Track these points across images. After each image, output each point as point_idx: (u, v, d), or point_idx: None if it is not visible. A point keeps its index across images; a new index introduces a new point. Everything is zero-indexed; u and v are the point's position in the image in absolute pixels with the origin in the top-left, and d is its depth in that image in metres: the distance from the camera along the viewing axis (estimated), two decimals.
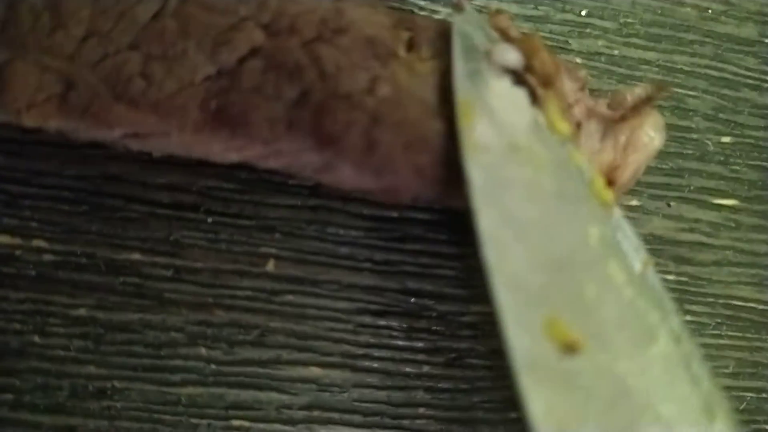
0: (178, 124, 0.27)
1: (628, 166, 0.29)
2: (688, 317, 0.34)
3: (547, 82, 0.27)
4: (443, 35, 0.29)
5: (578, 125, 0.29)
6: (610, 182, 0.29)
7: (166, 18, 0.27)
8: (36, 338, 0.28)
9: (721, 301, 0.34)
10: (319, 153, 0.27)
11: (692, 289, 0.34)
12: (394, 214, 0.32)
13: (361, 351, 0.30)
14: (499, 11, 0.30)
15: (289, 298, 0.30)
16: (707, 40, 0.37)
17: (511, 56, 0.27)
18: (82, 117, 0.26)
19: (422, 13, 0.34)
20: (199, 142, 0.28)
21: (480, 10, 0.34)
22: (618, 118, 0.29)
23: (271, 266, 0.30)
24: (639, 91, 0.30)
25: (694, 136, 0.36)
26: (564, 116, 0.28)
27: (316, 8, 0.28)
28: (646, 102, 0.29)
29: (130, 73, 0.26)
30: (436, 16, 0.34)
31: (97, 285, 0.29)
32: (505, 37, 0.29)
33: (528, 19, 0.35)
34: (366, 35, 0.28)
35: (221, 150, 0.28)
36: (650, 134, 0.30)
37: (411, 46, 0.28)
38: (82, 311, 0.29)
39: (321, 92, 0.27)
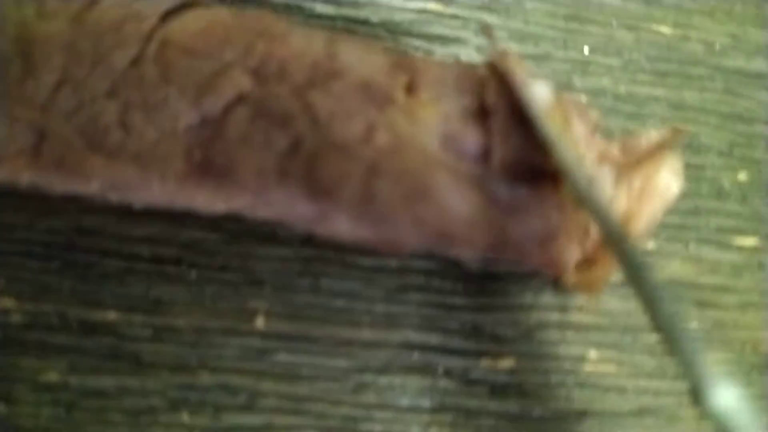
0: (160, 175, 0.25)
1: (642, 215, 0.28)
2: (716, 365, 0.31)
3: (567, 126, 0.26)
4: (443, 77, 0.27)
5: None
6: None
7: (145, 63, 0.26)
8: (1, 407, 0.26)
9: (748, 346, 0.32)
10: (312, 204, 0.26)
11: (717, 335, 0.32)
12: (394, 264, 0.30)
13: (362, 413, 0.28)
14: (506, 52, 0.29)
15: (281, 357, 0.28)
16: (716, 75, 0.36)
17: (546, 94, 0.26)
18: (55, 170, 0.25)
19: (416, 54, 0.33)
20: (182, 194, 0.26)
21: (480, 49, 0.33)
22: (632, 164, 0.28)
23: (260, 323, 0.29)
24: (654, 134, 0.28)
25: (709, 173, 0.34)
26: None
27: (307, 51, 0.26)
28: (662, 147, 0.28)
29: (107, 123, 0.25)
30: (434, 57, 0.33)
31: (70, 347, 0.27)
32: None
33: (529, 57, 0.34)
34: (361, 79, 0.26)
35: (206, 201, 0.26)
36: (667, 180, 0.28)
37: (410, 89, 0.27)
38: (52, 376, 0.27)
39: (313, 141, 0.25)
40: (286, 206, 0.26)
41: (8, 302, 0.27)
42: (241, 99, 0.26)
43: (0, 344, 0.27)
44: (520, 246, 0.26)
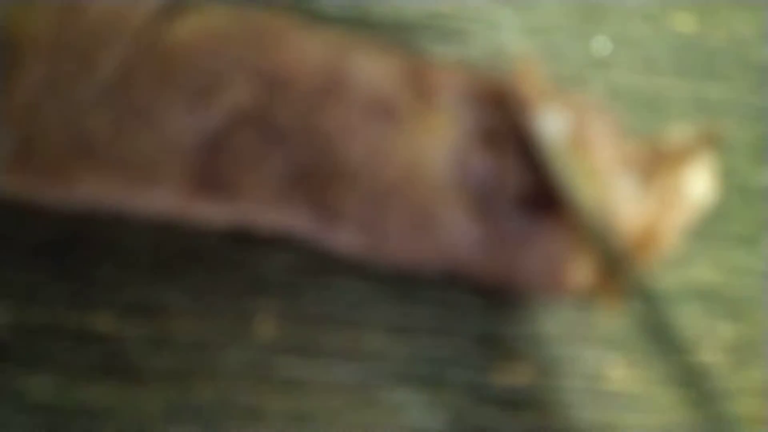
0: (156, 186, 0.25)
1: (668, 224, 0.27)
2: (746, 384, 0.30)
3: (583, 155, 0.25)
4: (460, 91, 0.26)
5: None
6: (647, 243, 0.26)
7: (137, 69, 0.25)
8: None
9: None
10: (315, 222, 0.26)
11: (751, 348, 0.31)
12: (403, 270, 0.29)
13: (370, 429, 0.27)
14: (525, 71, 0.27)
15: (285, 369, 0.28)
16: (743, 69, 0.35)
17: (559, 125, 0.25)
18: (42, 178, 0.25)
19: (425, 51, 0.32)
20: (181, 206, 0.26)
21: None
22: (660, 168, 0.27)
23: (263, 333, 0.28)
24: (683, 135, 0.27)
25: (737, 173, 0.33)
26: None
27: (314, 61, 0.25)
28: (688, 150, 0.27)
29: (95, 129, 0.24)
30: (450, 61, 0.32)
31: (62, 357, 0.27)
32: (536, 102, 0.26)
33: (542, 53, 0.33)
34: (371, 95, 0.25)
35: (204, 215, 0.26)
36: (696, 186, 0.27)
37: (423, 106, 0.26)
38: (45, 387, 0.26)
39: (318, 163, 0.25)
40: (288, 221, 0.26)
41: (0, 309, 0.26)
42: (242, 109, 0.25)
43: None
44: (527, 275, 0.26)
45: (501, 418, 0.28)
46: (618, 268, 0.23)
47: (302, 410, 0.27)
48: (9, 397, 0.26)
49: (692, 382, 0.22)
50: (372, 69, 0.26)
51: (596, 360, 0.30)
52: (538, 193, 0.25)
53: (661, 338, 0.22)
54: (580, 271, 0.25)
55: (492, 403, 0.28)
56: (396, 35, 0.32)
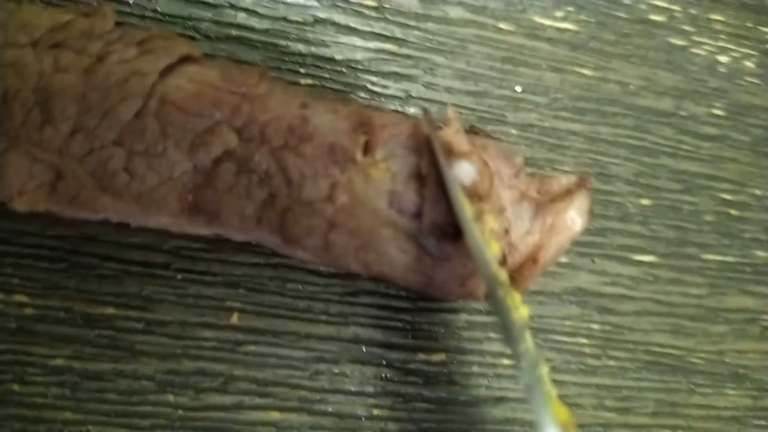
0: (158, 212, 0.29)
1: (551, 247, 0.32)
2: (611, 363, 0.37)
3: (484, 197, 0.30)
4: (396, 137, 0.31)
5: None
6: (534, 261, 0.32)
7: (147, 117, 0.29)
8: (15, 387, 0.30)
9: (641, 347, 0.38)
10: (280, 243, 0.30)
11: (615, 336, 0.38)
12: (348, 271, 0.34)
13: (317, 396, 0.33)
14: (448, 120, 0.32)
15: (252, 348, 0.33)
16: (629, 112, 0.41)
17: (467, 172, 0.30)
18: (70, 204, 0.28)
19: (373, 88, 0.37)
20: (175, 225, 0.30)
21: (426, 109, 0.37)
22: (546, 202, 0.32)
23: (235, 319, 0.33)
24: (565, 179, 0.33)
25: (617, 199, 0.40)
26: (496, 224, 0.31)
27: (284, 115, 0.30)
28: (571, 189, 0.32)
29: (114, 168, 0.28)
30: (387, 92, 0.37)
31: (74, 337, 0.31)
32: (452, 151, 0.31)
33: (469, 93, 0.39)
34: (328, 142, 0.30)
35: (194, 229, 0.30)
36: (574, 218, 0.32)
37: (367, 149, 0.31)
38: (59, 361, 0.30)
39: (287, 198, 0.29)
40: (260, 238, 0.31)
41: (22, 297, 0.31)
42: (228, 154, 0.29)
43: (14, 333, 0.30)
44: (444, 285, 0.31)
45: (420, 389, 0.34)
46: (495, 284, 0.27)
47: (265, 380, 0.32)
48: (33, 367, 0.30)
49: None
50: (328, 121, 0.30)
51: (497, 343, 0.36)
52: (449, 226, 0.30)
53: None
54: (480, 283, 0.31)
55: (414, 376, 0.34)
56: (350, 75, 0.37)
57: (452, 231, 0.30)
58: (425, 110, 0.34)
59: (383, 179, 0.30)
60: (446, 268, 0.30)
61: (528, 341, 0.25)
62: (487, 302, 0.30)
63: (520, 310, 0.26)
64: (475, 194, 0.30)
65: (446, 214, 0.30)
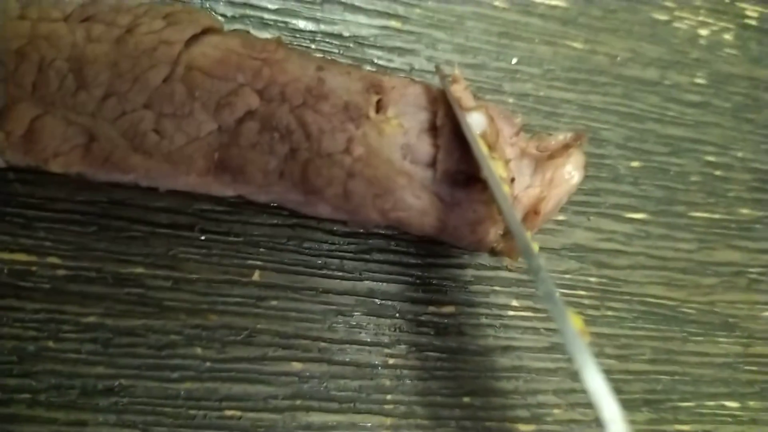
0: (186, 171, 0.30)
1: (551, 199, 0.34)
2: (609, 313, 0.39)
3: (492, 146, 0.32)
4: (406, 96, 0.33)
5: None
6: (536, 212, 0.33)
7: (175, 82, 0.30)
8: (50, 343, 0.31)
9: (636, 298, 0.40)
10: (303, 196, 0.32)
11: (612, 289, 0.40)
12: (361, 230, 0.36)
13: (335, 347, 0.34)
14: (456, 78, 0.34)
15: (273, 303, 0.34)
16: (617, 82, 0.44)
17: (478, 122, 0.32)
18: (103, 165, 0.30)
19: (379, 62, 0.39)
20: (202, 185, 0.31)
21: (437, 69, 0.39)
22: (545, 158, 0.34)
23: (257, 276, 0.34)
24: (561, 136, 0.35)
25: (608, 161, 0.42)
26: (504, 172, 0.33)
27: (302, 77, 0.32)
28: (567, 146, 0.34)
29: (145, 129, 0.30)
30: (392, 65, 0.40)
31: (105, 295, 0.32)
32: (462, 105, 0.33)
33: (468, 66, 0.41)
34: (343, 101, 0.32)
35: (220, 190, 0.32)
36: (571, 172, 0.34)
37: (380, 108, 0.33)
38: (91, 319, 0.32)
39: (307, 151, 0.31)
40: (281, 195, 0.32)
41: (54, 259, 0.32)
42: (250, 114, 0.31)
43: (48, 293, 0.32)
44: (456, 230, 0.33)
45: (432, 339, 0.36)
46: (514, 229, 0.29)
47: (285, 332, 0.34)
48: (67, 322, 0.32)
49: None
50: (342, 82, 0.32)
51: (503, 296, 0.37)
52: (462, 173, 0.32)
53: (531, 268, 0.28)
54: (493, 230, 0.33)
55: (426, 327, 0.36)
56: (357, 50, 0.39)
57: (463, 178, 0.32)
58: (438, 67, 0.36)
59: (396, 134, 0.32)
60: (458, 213, 0.32)
61: (541, 259, 0.27)
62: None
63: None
64: (485, 143, 0.32)
65: (459, 162, 0.32)
